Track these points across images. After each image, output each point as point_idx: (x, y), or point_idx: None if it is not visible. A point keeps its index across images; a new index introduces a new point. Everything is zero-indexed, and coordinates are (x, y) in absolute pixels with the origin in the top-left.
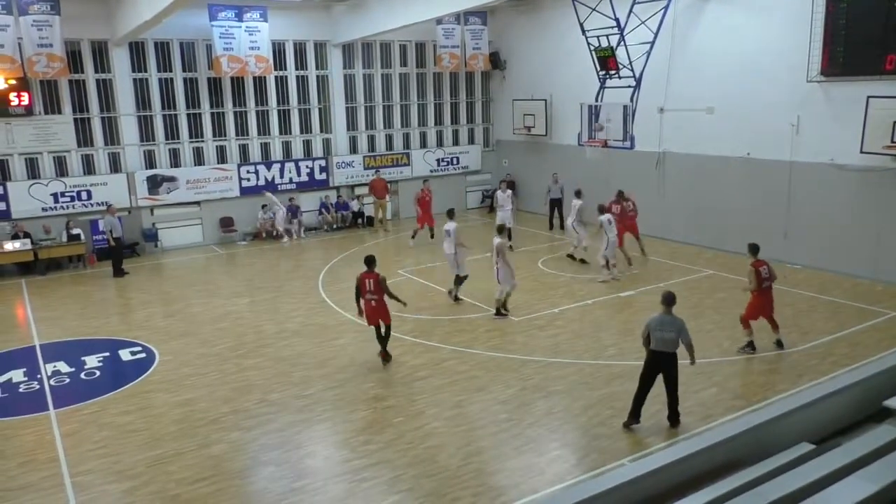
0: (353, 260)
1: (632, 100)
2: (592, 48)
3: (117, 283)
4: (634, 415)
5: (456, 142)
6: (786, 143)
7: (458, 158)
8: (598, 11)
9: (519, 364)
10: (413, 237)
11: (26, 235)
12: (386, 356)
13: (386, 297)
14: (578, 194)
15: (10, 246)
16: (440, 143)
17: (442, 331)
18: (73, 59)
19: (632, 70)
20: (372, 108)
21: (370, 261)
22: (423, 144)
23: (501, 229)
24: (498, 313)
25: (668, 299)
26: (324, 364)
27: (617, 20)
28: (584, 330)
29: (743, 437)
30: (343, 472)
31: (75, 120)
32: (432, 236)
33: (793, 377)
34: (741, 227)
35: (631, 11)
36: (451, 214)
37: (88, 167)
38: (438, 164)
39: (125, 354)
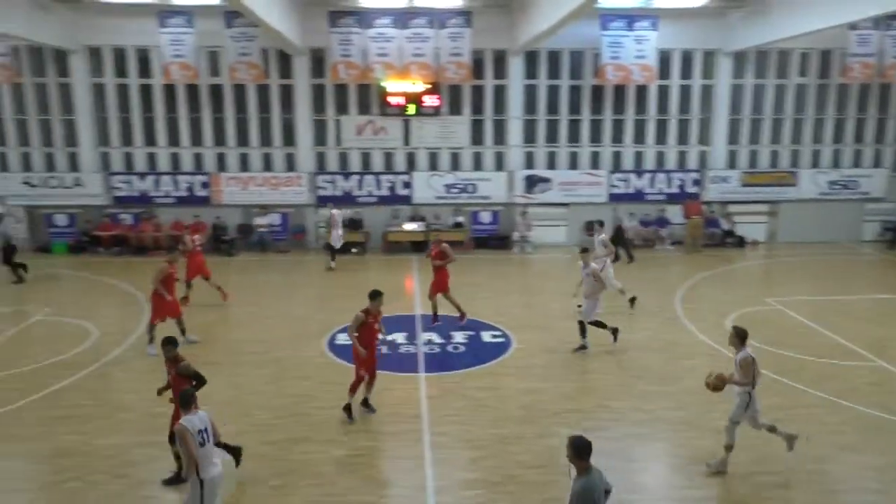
0: (713, 282)
1: None
2: None
3: (467, 268)
4: None
5: (856, 163)
6: None
7: (856, 182)
8: None
9: None
10: None
11: (421, 219)
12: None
13: None
14: None
15: (408, 227)
16: (836, 164)
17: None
18: (476, 66)
19: None
20: (758, 122)
21: (375, 294)
22: (815, 164)
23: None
24: None
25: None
26: (667, 381)
27: None
28: None
29: None
30: (673, 497)
31: (471, 121)
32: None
33: None
34: None
35: None
36: None
37: (477, 163)
38: (830, 187)
39: (486, 336)
